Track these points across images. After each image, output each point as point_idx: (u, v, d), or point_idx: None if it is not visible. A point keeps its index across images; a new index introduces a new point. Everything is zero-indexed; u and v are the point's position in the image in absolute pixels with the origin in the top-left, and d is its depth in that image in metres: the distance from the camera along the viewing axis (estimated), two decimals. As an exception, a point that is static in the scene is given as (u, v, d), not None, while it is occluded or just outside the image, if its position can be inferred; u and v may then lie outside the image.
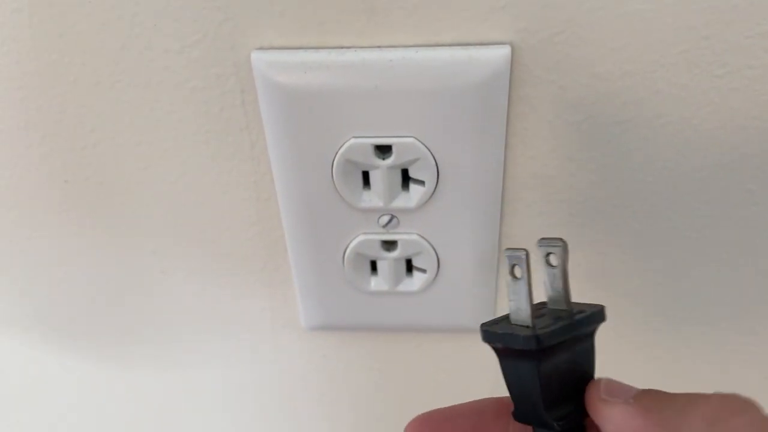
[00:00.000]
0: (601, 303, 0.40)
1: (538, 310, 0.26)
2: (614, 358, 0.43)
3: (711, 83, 0.31)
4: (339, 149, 0.33)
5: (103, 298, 0.43)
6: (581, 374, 0.26)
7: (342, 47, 0.31)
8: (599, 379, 0.25)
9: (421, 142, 0.33)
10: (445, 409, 0.27)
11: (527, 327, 0.24)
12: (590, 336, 0.26)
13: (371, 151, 0.33)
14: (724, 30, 0.30)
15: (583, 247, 0.38)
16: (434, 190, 0.34)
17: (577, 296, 0.39)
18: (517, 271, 0.25)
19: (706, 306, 0.40)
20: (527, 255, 0.25)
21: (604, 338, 0.42)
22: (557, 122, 0.33)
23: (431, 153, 0.33)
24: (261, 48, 0.32)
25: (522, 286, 0.25)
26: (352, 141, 0.33)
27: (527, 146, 0.34)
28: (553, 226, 0.37)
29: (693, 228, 0.36)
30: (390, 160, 0.33)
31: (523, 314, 0.25)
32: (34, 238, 0.40)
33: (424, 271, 0.38)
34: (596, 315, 0.26)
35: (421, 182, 0.34)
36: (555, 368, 0.25)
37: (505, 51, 0.31)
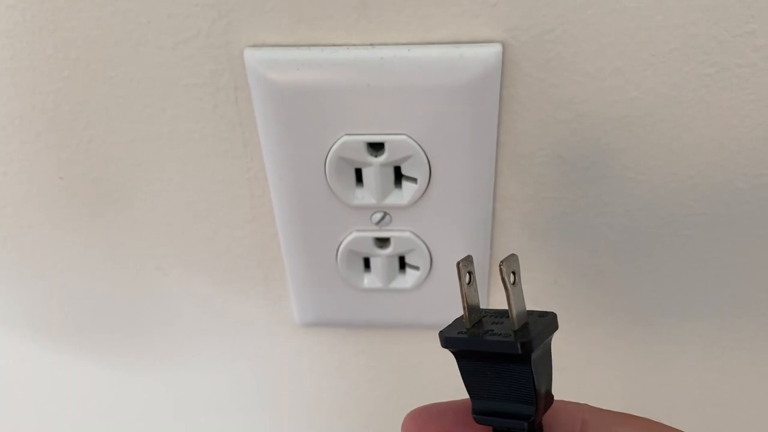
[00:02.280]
0: (592, 300, 0.40)
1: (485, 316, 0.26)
2: (608, 355, 0.43)
3: (701, 81, 0.31)
4: (332, 146, 0.34)
5: (97, 295, 0.43)
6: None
7: (334, 45, 0.32)
8: None
9: (414, 140, 0.33)
10: (440, 403, 0.28)
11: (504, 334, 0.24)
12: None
13: (364, 148, 0.33)
14: (712, 28, 0.30)
15: (574, 244, 0.38)
16: (427, 188, 0.35)
17: (569, 292, 0.40)
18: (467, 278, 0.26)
19: (699, 303, 0.40)
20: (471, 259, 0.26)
21: (599, 335, 0.42)
22: (548, 120, 0.33)
23: (423, 150, 0.33)
24: (254, 45, 0.32)
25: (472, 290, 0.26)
26: (345, 138, 0.33)
27: (518, 144, 0.34)
28: (544, 223, 0.37)
29: (685, 226, 0.37)
30: (383, 158, 0.34)
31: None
32: (28, 235, 0.40)
33: (417, 268, 0.38)
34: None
35: (414, 179, 0.35)
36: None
37: (496, 49, 0.31)
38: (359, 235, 0.37)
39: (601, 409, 0.26)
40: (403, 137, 0.33)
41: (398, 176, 0.35)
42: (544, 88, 0.32)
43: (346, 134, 0.33)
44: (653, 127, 0.33)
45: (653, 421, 0.25)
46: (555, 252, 0.38)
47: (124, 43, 0.32)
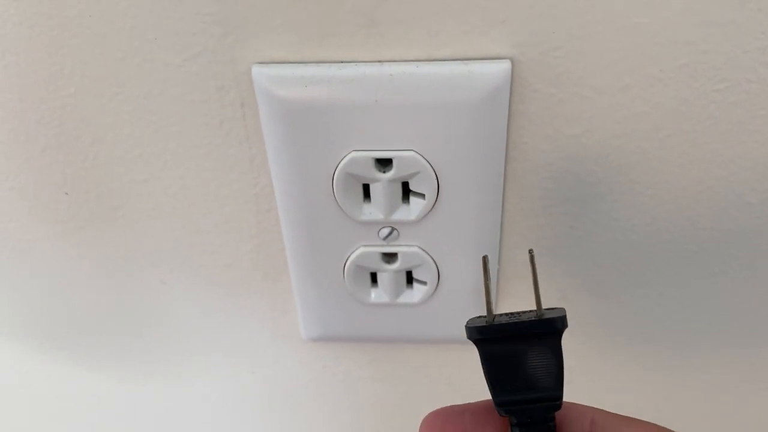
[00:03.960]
0: (600, 314, 0.40)
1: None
2: (616, 369, 0.43)
3: (710, 98, 0.31)
4: (339, 162, 0.33)
5: (102, 309, 0.43)
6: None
7: (342, 61, 0.31)
8: None
9: (422, 156, 0.33)
10: (458, 405, 0.28)
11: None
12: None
13: (372, 164, 0.33)
14: (722, 44, 0.30)
15: (582, 259, 0.38)
16: (434, 203, 0.34)
17: (577, 307, 0.40)
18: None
19: (706, 317, 0.40)
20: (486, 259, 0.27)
21: (606, 350, 0.42)
22: (556, 135, 0.33)
23: (431, 166, 0.33)
24: (261, 62, 0.32)
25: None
26: (353, 154, 0.33)
27: (527, 159, 0.34)
28: (553, 239, 0.37)
29: (693, 241, 0.36)
30: (390, 174, 0.33)
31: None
32: (33, 249, 0.40)
33: (424, 283, 0.38)
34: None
35: (422, 195, 0.34)
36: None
37: (505, 65, 0.31)
38: (366, 250, 0.37)
39: (611, 412, 0.26)
40: (412, 153, 0.33)
41: (406, 192, 0.35)
42: (553, 103, 0.32)
43: (354, 150, 0.33)
44: (662, 142, 0.33)
45: (660, 426, 0.26)
46: (562, 266, 0.38)
47: (130, 60, 0.32)
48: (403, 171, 0.33)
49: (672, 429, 0.25)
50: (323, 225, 0.36)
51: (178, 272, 0.40)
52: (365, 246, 0.37)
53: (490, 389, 0.26)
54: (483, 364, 0.26)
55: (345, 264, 0.38)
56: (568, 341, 0.29)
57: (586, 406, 0.27)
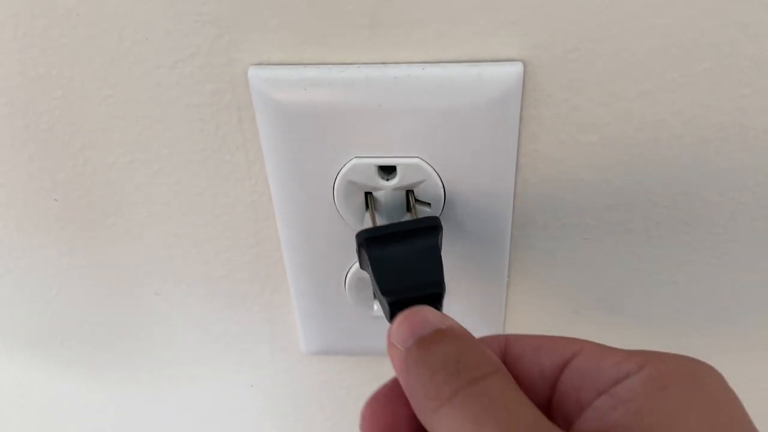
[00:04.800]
0: (615, 332, 0.38)
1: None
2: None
3: (735, 103, 0.29)
4: (341, 170, 0.32)
5: (93, 321, 0.42)
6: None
7: (344, 63, 0.30)
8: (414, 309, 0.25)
9: (427, 163, 0.32)
10: (386, 384, 0.27)
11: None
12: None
13: (374, 171, 0.32)
14: (748, 47, 0.28)
15: (596, 272, 0.36)
16: (441, 213, 0.33)
17: (591, 323, 0.38)
18: None
19: (728, 333, 0.38)
20: None
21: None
22: (570, 143, 0.31)
23: (438, 174, 0.32)
24: (259, 63, 0.31)
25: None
26: (355, 161, 0.32)
27: (539, 168, 0.33)
28: (565, 251, 0.35)
29: (713, 254, 0.35)
30: (394, 181, 0.32)
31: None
32: (22, 258, 0.39)
33: (429, 296, 0.37)
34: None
35: (427, 204, 0.33)
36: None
37: (516, 68, 0.29)
38: (369, 262, 0.35)
39: (524, 334, 0.26)
40: (417, 160, 0.32)
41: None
42: (567, 109, 0.30)
43: (356, 157, 0.32)
44: (682, 151, 0.31)
45: (571, 337, 0.25)
46: (576, 280, 0.37)
47: (120, 62, 0.31)
48: (408, 179, 0.32)
49: None
50: (323, 235, 0.35)
51: (173, 283, 0.39)
52: (368, 257, 0.35)
53: (376, 283, 0.28)
54: (370, 264, 0.28)
55: (346, 275, 0.36)
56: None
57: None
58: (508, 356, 0.25)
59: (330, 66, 0.30)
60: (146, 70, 0.31)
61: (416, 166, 0.32)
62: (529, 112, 0.31)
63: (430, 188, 0.32)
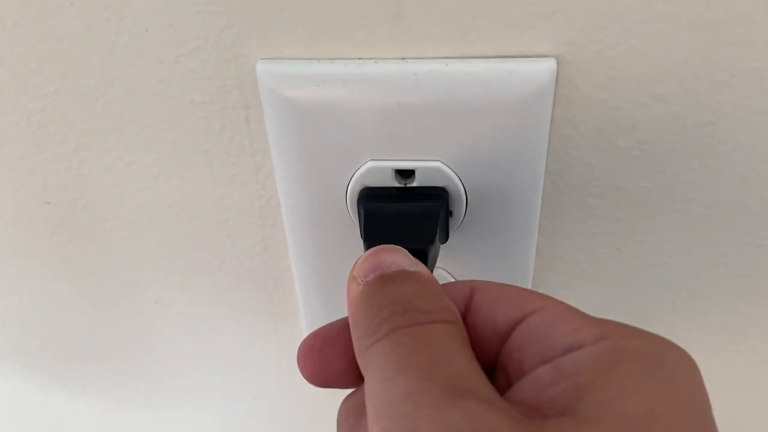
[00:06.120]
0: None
1: None
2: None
3: (787, 106, 0.28)
4: (354, 173, 0.31)
5: (88, 330, 0.42)
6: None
7: (361, 58, 0.29)
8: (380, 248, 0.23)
9: (449, 167, 0.30)
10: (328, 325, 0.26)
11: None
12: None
13: (391, 175, 0.31)
14: (805, 44, 0.26)
15: (626, 285, 0.35)
16: (462, 221, 0.32)
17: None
18: None
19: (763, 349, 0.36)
20: None
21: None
22: (606, 147, 0.30)
23: (460, 179, 0.30)
24: (268, 58, 0.30)
25: None
26: (370, 164, 0.31)
27: (570, 173, 0.31)
28: (595, 263, 0.34)
29: (752, 266, 0.33)
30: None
31: None
32: (13, 265, 0.39)
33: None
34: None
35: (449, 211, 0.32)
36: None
37: (549, 65, 0.28)
38: (383, 272, 0.34)
39: (490, 281, 0.25)
40: (437, 164, 0.30)
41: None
42: (604, 110, 0.29)
43: (372, 159, 0.31)
44: (725, 157, 0.30)
45: (533, 291, 0.23)
46: (605, 293, 0.35)
47: (119, 55, 0.30)
48: (427, 184, 0.31)
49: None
50: (335, 242, 0.34)
51: (174, 292, 0.39)
52: (382, 267, 0.34)
53: (363, 231, 0.29)
54: (363, 216, 0.29)
55: (359, 286, 0.35)
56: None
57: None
58: (471, 306, 0.23)
59: (345, 61, 0.29)
60: (147, 65, 0.30)
61: (437, 169, 0.30)
62: (561, 113, 0.29)
63: (451, 194, 0.31)
